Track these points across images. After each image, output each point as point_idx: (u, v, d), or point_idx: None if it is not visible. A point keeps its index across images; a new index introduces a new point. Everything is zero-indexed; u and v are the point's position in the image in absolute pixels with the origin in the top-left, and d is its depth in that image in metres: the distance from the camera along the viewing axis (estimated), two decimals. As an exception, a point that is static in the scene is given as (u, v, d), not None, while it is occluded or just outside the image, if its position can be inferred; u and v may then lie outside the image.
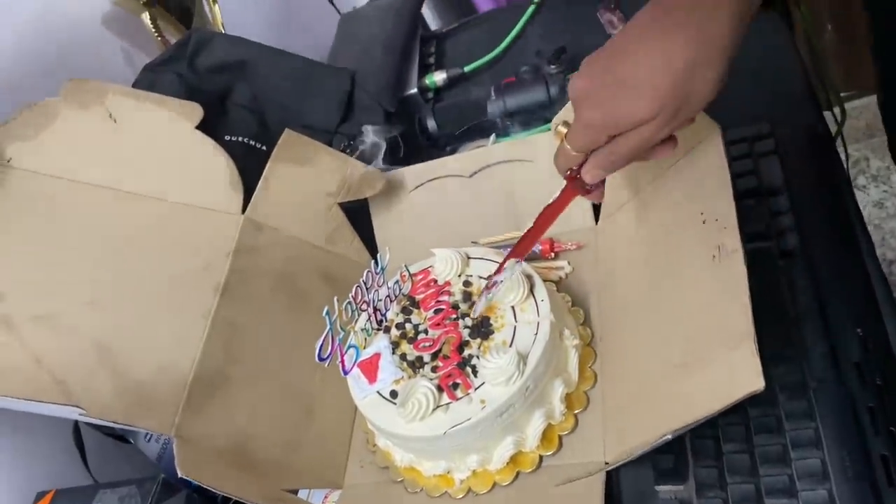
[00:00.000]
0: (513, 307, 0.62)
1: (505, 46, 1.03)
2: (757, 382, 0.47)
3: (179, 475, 0.54)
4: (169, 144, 0.73)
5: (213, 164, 0.74)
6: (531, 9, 1.06)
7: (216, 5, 1.02)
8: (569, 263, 0.72)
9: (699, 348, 0.53)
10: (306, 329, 0.72)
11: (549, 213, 0.59)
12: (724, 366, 0.50)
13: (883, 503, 0.49)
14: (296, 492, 0.66)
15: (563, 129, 0.54)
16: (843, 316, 0.58)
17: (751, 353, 0.48)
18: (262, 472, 0.63)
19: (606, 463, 0.58)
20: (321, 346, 0.61)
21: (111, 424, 0.62)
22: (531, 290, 0.63)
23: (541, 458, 0.61)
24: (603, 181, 0.56)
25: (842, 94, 1.15)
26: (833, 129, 0.98)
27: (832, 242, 0.63)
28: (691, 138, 0.61)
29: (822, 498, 0.50)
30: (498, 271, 0.62)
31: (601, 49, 0.50)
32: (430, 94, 1.00)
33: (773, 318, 0.59)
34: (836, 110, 1.05)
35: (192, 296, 0.69)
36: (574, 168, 0.54)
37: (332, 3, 1.29)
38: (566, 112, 0.70)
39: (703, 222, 0.58)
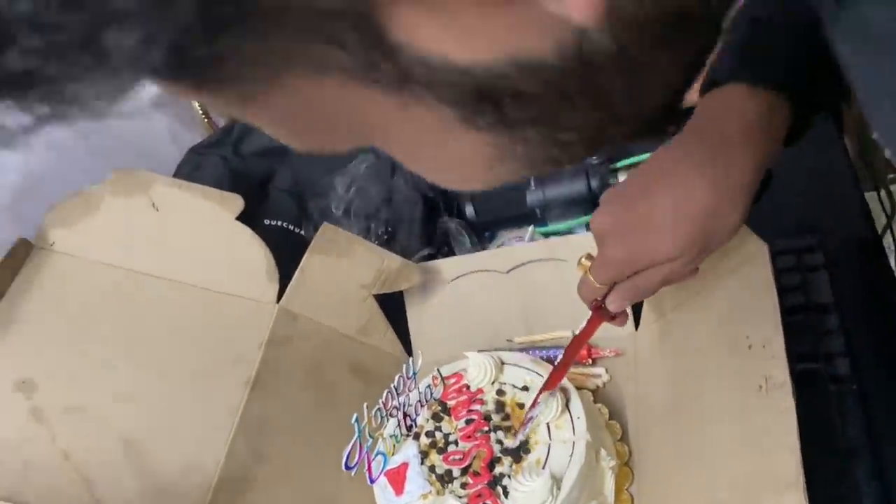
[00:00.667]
0: (548, 424, 0.60)
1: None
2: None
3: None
4: (209, 234, 0.74)
5: (250, 253, 0.74)
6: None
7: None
8: (606, 371, 0.70)
9: (743, 487, 0.50)
10: (334, 427, 0.70)
11: (577, 343, 0.59)
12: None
13: None
14: None
15: (587, 262, 0.55)
16: (897, 453, 0.55)
17: (798, 501, 0.46)
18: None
19: None
20: (348, 454, 0.59)
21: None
22: (567, 406, 0.61)
23: (572, 584, 0.58)
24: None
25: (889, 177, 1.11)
26: (881, 221, 0.95)
27: (885, 369, 0.60)
28: (738, 255, 0.59)
29: None
30: (533, 405, 0.60)
31: (623, 184, 0.51)
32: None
33: (820, 450, 0.56)
34: (883, 194, 1.02)
35: (221, 390, 0.68)
36: (598, 298, 0.55)
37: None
38: (589, 243, 0.70)
39: (750, 347, 0.56)
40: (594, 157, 0.89)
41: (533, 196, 0.88)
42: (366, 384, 0.76)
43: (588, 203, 0.87)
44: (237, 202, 0.74)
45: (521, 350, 0.72)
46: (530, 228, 0.87)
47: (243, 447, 0.66)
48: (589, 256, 0.56)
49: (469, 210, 0.92)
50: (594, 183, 0.86)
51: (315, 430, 0.71)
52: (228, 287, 0.74)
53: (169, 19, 0.18)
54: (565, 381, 0.63)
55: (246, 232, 0.74)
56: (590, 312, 0.57)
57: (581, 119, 0.26)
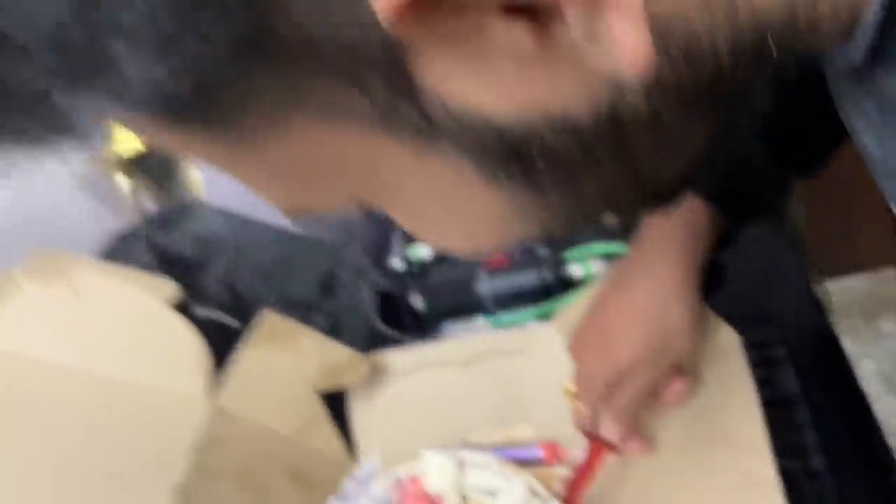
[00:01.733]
0: None
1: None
2: None
3: None
4: (135, 322, 0.67)
5: (182, 344, 0.68)
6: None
7: (197, 173, 0.99)
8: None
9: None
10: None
11: (580, 478, 0.58)
12: None
13: None
14: None
15: (572, 388, 0.57)
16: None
17: None
18: None
19: None
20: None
21: None
22: None
23: None
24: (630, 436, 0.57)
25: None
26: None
27: (859, 463, 0.58)
28: (710, 349, 0.58)
29: None
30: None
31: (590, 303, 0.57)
32: (415, 270, 0.96)
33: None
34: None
35: (143, 497, 0.60)
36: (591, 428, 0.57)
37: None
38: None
39: (728, 445, 0.53)
40: (546, 248, 0.88)
41: (483, 285, 0.85)
42: (306, 491, 0.69)
43: (539, 294, 0.85)
44: (169, 288, 0.68)
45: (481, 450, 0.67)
46: (481, 320, 0.84)
47: (167, 569, 0.57)
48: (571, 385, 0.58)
49: (418, 302, 0.88)
50: (546, 275, 0.85)
51: (251, 544, 0.63)
52: (156, 381, 0.66)
53: (187, 45, 0.17)
54: (539, 486, 0.59)
55: (177, 320, 0.68)
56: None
57: (605, 181, 0.25)
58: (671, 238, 0.53)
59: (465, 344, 0.74)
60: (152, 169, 0.89)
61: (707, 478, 0.53)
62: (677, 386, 0.56)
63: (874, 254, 1.61)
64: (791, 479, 0.58)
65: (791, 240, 0.80)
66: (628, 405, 0.54)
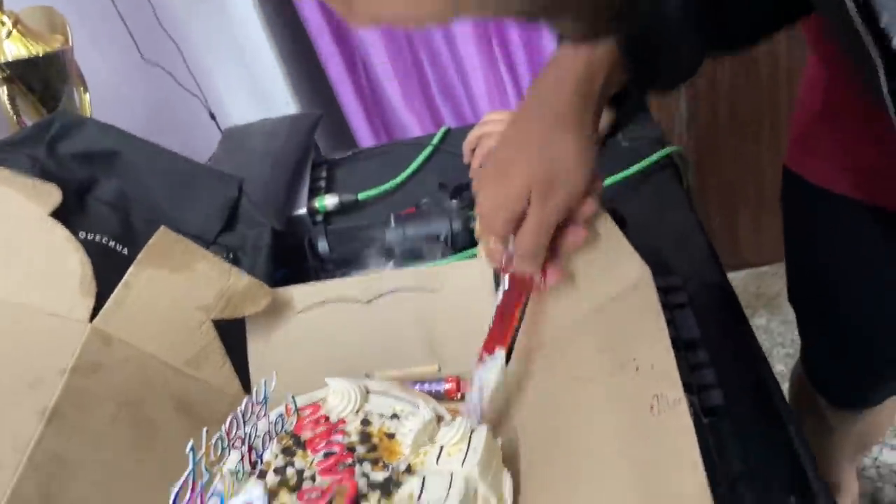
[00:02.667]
0: (442, 447, 0.53)
1: (402, 180, 1.00)
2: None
3: None
4: (13, 231, 0.60)
5: (62, 259, 0.61)
6: (429, 149, 1.05)
7: (86, 94, 0.91)
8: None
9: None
10: (153, 470, 0.58)
11: (501, 318, 0.58)
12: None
13: None
14: None
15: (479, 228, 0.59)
16: (776, 483, 0.54)
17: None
18: None
19: None
20: (178, 492, 0.48)
21: None
22: (470, 434, 0.54)
23: None
24: (544, 271, 0.58)
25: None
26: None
27: (754, 403, 0.61)
28: (621, 280, 0.58)
29: None
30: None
31: (513, 154, 0.56)
32: (320, 218, 0.93)
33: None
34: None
35: (8, 421, 0.54)
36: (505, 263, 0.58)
37: (213, 119, 1.22)
38: (463, 274, 0.70)
39: (637, 369, 0.53)
40: (454, 201, 0.87)
41: (392, 234, 0.83)
42: (193, 423, 0.64)
43: (447, 245, 0.83)
44: (53, 195, 0.62)
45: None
46: (389, 266, 0.82)
47: (32, 491, 0.51)
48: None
49: (322, 245, 0.85)
50: (456, 225, 0.84)
51: (129, 474, 0.57)
52: (31, 297, 0.60)
53: None
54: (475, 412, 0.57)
55: (60, 232, 0.62)
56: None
57: None
58: (571, 69, 0.53)
59: (370, 281, 0.71)
60: (35, 79, 0.81)
61: (617, 400, 0.53)
62: (576, 234, 0.57)
63: (754, 252, 1.71)
64: (693, 414, 0.59)
65: (689, 200, 0.83)
66: (535, 238, 0.55)
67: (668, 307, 0.67)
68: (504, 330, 0.58)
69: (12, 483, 0.50)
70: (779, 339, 1.74)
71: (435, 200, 0.87)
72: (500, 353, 0.57)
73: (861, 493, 1.21)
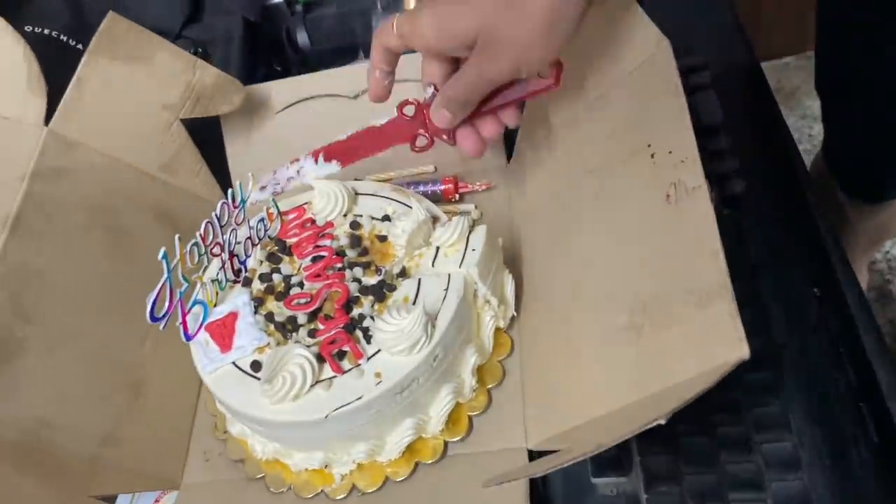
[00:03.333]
0: (437, 248, 0.49)
1: (389, -41, 0.88)
2: (739, 349, 0.37)
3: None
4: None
5: (5, 56, 0.54)
6: (420, -80, 0.91)
7: None
8: (476, 208, 0.60)
9: (654, 307, 0.43)
10: (132, 281, 0.54)
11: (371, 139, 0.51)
12: (693, 328, 0.39)
13: (862, 492, 0.41)
14: (113, 498, 0.49)
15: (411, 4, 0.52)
16: (799, 275, 0.50)
17: (728, 312, 0.38)
18: (64, 472, 0.46)
19: (529, 451, 0.46)
20: (155, 301, 0.44)
21: None
22: (468, 235, 0.50)
23: (446, 444, 0.48)
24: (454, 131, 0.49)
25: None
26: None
27: (779, 190, 0.55)
28: (635, 55, 0.50)
29: (796, 490, 0.41)
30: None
31: None
32: (298, 7, 0.83)
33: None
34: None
35: (-33, 232, 0.49)
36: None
37: None
38: None
39: (652, 156, 0.47)
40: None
41: (379, 21, 0.74)
42: (173, 233, 0.59)
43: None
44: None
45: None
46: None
47: (5, 304, 0.48)
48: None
49: (302, 37, 0.76)
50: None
51: (106, 284, 0.54)
52: (-28, 99, 0.53)
53: None
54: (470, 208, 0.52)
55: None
56: None
57: None
58: None
59: (357, 73, 0.63)
60: None
61: (629, 189, 0.48)
62: (509, 117, 0.48)
63: (776, 42, 1.59)
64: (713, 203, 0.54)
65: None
66: (462, 94, 0.46)
67: (688, 89, 0.60)
68: (352, 153, 0.52)
69: (-21, 296, 0.47)
70: (796, 134, 1.67)
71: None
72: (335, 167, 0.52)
73: (869, 286, 1.20)
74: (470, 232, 0.50)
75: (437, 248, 0.50)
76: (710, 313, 0.39)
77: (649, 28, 0.50)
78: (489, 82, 0.45)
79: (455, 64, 0.47)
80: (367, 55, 0.75)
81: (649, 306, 0.43)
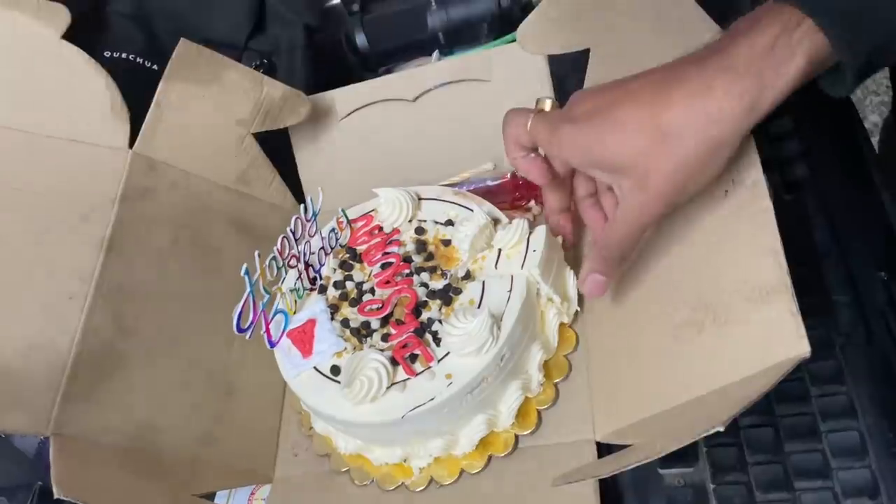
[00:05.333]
0: (499, 250, 0.51)
1: (441, -49, 0.88)
2: (799, 346, 0.37)
3: (56, 494, 0.41)
4: (26, 58, 0.57)
5: (87, 84, 0.58)
6: None
7: None
8: (537, 204, 0.61)
9: (715, 304, 0.43)
10: (218, 291, 0.58)
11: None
12: (753, 325, 0.40)
13: (932, 480, 0.41)
14: (212, 496, 0.54)
15: (546, 104, 0.48)
16: (864, 259, 0.50)
17: (788, 311, 0.39)
18: (169, 472, 0.51)
19: (597, 442, 0.48)
20: (240, 313, 0.48)
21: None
22: (528, 236, 0.51)
23: (517, 437, 0.51)
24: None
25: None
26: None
27: (844, 171, 0.55)
28: (687, 43, 0.50)
29: (863, 478, 0.42)
30: None
31: (624, 101, 0.41)
32: (355, 7, 0.85)
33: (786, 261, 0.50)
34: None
35: (68, 254, 0.54)
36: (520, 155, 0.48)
37: None
38: (517, 57, 0.61)
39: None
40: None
41: (434, 18, 0.75)
42: (252, 242, 0.64)
43: (497, 23, 0.75)
44: (61, 15, 0.57)
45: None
46: (434, 55, 0.75)
47: (104, 319, 0.52)
48: (553, 104, 0.49)
49: (360, 39, 0.78)
50: (504, 0, 0.75)
51: (194, 295, 0.58)
52: (61, 130, 0.58)
53: None
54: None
55: (77, 56, 0.58)
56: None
57: None
58: (751, 59, 0.37)
59: (414, 76, 0.66)
60: None
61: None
62: (597, 279, 0.46)
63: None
64: (772, 192, 0.54)
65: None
66: (627, 236, 0.44)
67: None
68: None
69: (84, 313, 0.52)
70: (872, 86, 1.60)
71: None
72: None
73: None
74: (530, 233, 0.51)
75: (500, 250, 0.52)
76: (770, 311, 0.40)
77: (702, 18, 0.50)
78: (646, 225, 0.44)
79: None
80: (421, 53, 0.77)
81: (710, 303, 0.44)
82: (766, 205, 0.43)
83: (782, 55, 0.37)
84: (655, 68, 0.42)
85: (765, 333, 0.40)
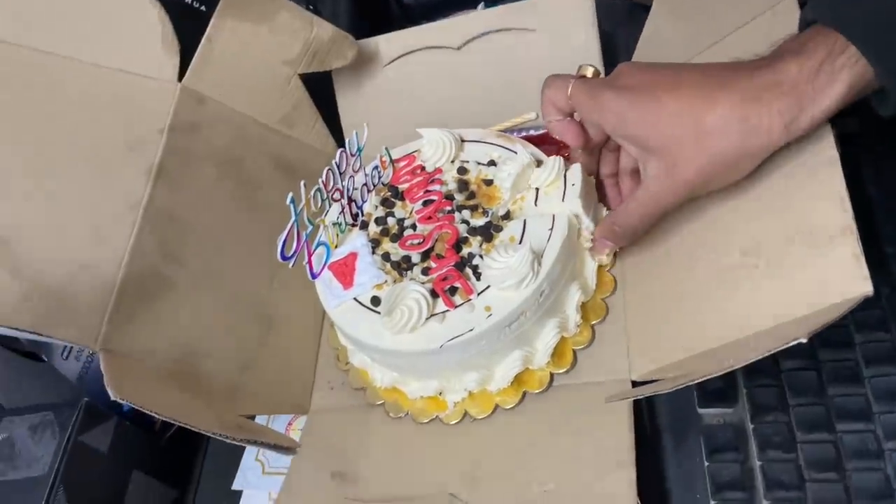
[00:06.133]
0: (536, 189, 0.51)
1: None
2: (864, 286, 0.37)
3: (112, 397, 0.42)
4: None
5: (140, 16, 0.59)
6: None
7: None
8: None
9: (770, 247, 0.43)
10: (258, 226, 0.59)
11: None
12: (813, 268, 0.40)
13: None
14: (253, 418, 0.55)
15: (588, 71, 0.49)
16: (912, 210, 0.49)
17: (852, 253, 0.38)
18: (213, 394, 0.52)
19: (633, 382, 0.48)
20: (284, 242, 0.49)
21: (17, 334, 0.49)
22: (565, 173, 0.51)
23: (552, 376, 0.51)
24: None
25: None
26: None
27: (893, 127, 0.54)
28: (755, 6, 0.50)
29: (904, 422, 0.42)
30: None
31: (672, 88, 0.42)
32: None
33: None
34: None
35: (118, 180, 0.55)
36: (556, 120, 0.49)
37: None
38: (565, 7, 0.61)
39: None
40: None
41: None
42: (293, 182, 0.64)
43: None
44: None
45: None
46: (479, 6, 0.75)
47: (151, 244, 0.53)
48: (595, 72, 0.50)
49: (405, -10, 0.78)
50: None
51: (236, 228, 0.59)
52: (114, 60, 0.58)
53: None
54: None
55: (137, -7, 0.58)
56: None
57: None
58: (798, 80, 0.38)
59: (460, 24, 0.66)
60: None
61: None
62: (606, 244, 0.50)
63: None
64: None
65: None
66: (640, 217, 0.46)
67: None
68: None
69: (132, 237, 0.53)
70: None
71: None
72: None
73: None
74: (566, 170, 0.51)
75: (537, 190, 0.52)
76: (831, 254, 0.39)
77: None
78: (663, 211, 0.45)
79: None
80: (464, 8, 0.77)
81: (764, 246, 0.43)
82: (833, 154, 0.42)
83: (824, 80, 0.38)
84: (709, 65, 0.43)
85: (824, 276, 0.39)
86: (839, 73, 0.38)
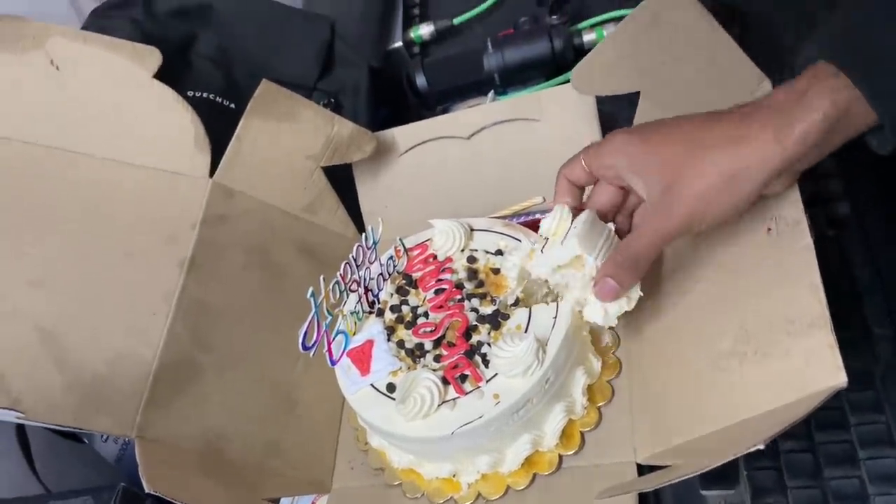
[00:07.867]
0: (546, 239, 0.53)
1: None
2: (837, 377, 0.39)
3: (146, 489, 0.45)
4: (122, 96, 0.63)
5: (174, 119, 0.64)
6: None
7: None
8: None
9: (757, 336, 0.45)
10: (284, 311, 0.63)
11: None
12: (793, 356, 0.42)
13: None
14: (277, 501, 0.58)
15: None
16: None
17: (827, 343, 0.41)
18: (238, 477, 0.55)
19: (638, 465, 0.50)
20: (305, 332, 0.52)
21: (60, 428, 0.53)
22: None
23: (560, 457, 0.53)
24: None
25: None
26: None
27: (885, 210, 0.56)
28: (733, 88, 0.53)
29: (899, 505, 0.43)
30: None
31: (673, 124, 0.46)
32: (416, 49, 0.90)
33: (827, 295, 0.52)
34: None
35: (153, 273, 0.59)
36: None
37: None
38: (563, 97, 0.65)
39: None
40: (554, 17, 0.81)
41: (491, 60, 0.80)
42: (316, 266, 0.68)
43: (550, 66, 0.79)
44: (154, 56, 0.63)
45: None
46: (489, 95, 0.80)
47: (184, 333, 0.57)
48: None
49: (420, 80, 0.83)
50: (557, 44, 0.79)
51: (263, 314, 0.63)
52: (150, 159, 0.64)
53: None
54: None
55: (167, 93, 0.64)
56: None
57: None
58: (787, 99, 0.42)
59: (470, 115, 0.70)
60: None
61: (728, 228, 0.50)
62: (608, 283, 0.48)
63: None
64: (815, 228, 0.56)
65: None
66: (645, 253, 0.47)
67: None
68: None
69: (166, 327, 0.57)
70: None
71: (533, 18, 0.82)
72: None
73: None
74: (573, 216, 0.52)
75: (546, 239, 0.52)
76: (809, 343, 0.42)
77: (749, 66, 0.53)
78: (664, 240, 0.47)
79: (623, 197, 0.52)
80: (478, 93, 0.81)
81: (752, 335, 0.46)
82: (808, 242, 0.45)
83: (811, 97, 0.41)
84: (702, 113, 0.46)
85: (804, 365, 0.41)
86: (826, 92, 0.40)
